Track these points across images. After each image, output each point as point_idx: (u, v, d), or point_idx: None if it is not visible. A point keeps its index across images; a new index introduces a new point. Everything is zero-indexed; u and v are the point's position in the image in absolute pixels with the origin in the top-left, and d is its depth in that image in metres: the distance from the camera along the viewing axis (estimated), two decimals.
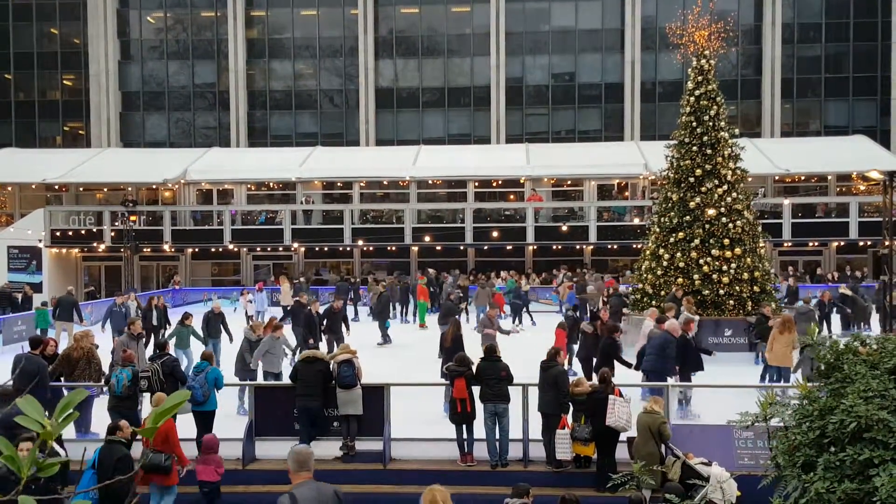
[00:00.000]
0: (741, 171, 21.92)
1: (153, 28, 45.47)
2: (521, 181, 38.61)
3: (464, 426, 11.77)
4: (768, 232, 24.50)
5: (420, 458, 12.07)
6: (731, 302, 20.70)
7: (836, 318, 24.08)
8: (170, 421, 9.70)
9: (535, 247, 37.32)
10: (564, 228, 35.59)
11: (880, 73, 42.13)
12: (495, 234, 35.77)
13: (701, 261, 20.91)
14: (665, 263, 21.35)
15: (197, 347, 17.53)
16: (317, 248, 38.49)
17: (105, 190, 41.34)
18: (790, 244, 36.15)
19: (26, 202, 40.89)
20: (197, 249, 38.93)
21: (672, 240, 21.40)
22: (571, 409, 11.47)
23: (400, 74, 44.59)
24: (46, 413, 1.95)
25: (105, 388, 12.37)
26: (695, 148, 21.58)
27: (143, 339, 15.41)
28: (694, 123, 21.71)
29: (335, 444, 12.13)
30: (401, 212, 37.11)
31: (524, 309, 27.10)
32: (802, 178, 39.11)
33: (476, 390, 11.84)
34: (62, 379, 13.05)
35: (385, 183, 40.14)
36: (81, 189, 41.64)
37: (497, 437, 11.64)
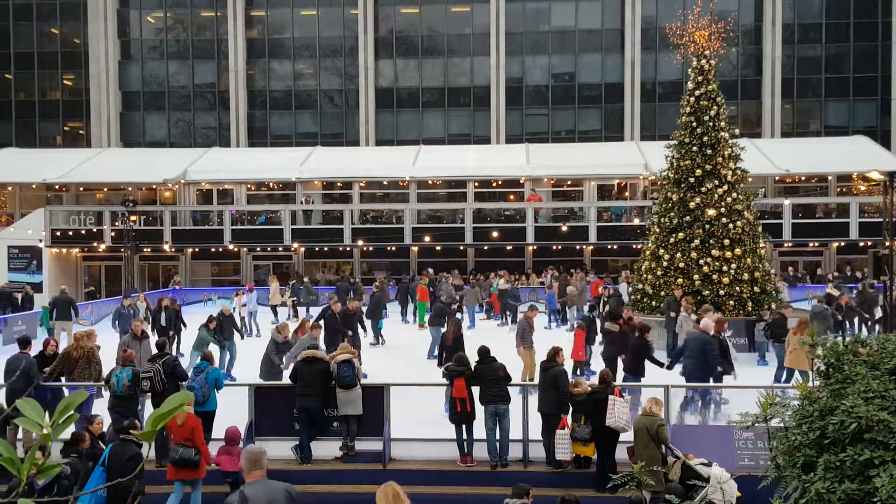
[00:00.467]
0: (741, 172, 21.95)
1: (153, 28, 45.48)
2: (521, 181, 38.61)
3: (463, 426, 11.77)
4: (768, 232, 24.50)
5: (420, 458, 12.06)
6: (732, 302, 20.72)
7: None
8: (196, 418, 10.34)
9: (535, 247, 37.32)
10: (564, 229, 35.59)
11: (881, 73, 42.13)
12: (495, 234, 35.77)
13: (701, 261, 20.93)
14: (665, 264, 21.37)
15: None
16: (317, 249, 38.49)
17: (105, 190, 41.34)
18: (790, 245, 36.15)
19: (26, 202, 40.89)
20: (197, 249, 38.93)
21: (672, 240, 21.42)
22: (571, 409, 11.46)
23: (400, 74, 44.59)
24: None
25: (105, 388, 12.38)
26: (695, 148, 21.60)
27: (148, 340, 15.32)
28: (694, 123, 21.73)
29: (335, 444, 12.13)
30: (401, 212, 37.11)
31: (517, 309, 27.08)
32: (803, 178, 39.11)
33: (476, 392, 11.83)
34: (62, 378, 13.06)
35: (385, 183, 40.14)
36: (81, 189, 41.64)
37: (497, 437, 11.64)
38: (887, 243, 21.45)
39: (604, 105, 43.68)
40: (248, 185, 40.45)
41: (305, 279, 32.91)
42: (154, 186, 39.83)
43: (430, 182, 39.62)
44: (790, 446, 4.48)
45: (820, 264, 37.90)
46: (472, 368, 11.95)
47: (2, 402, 12.12)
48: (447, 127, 44.39)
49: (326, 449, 12.11)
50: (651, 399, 10.59)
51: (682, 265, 21.10)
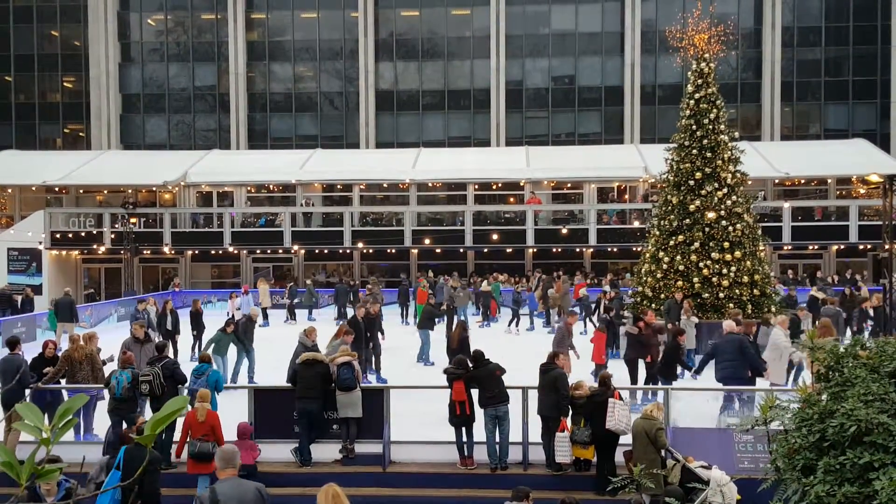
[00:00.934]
0: (741, 175, 21.95)
1: (153, 30, 45.51)
2: (521, 184, 38.60)
3: (463, 429, 11.76)
4: (768, 235, 24.50)
5: (420, 460, 12.06)
6: (731, 305, 20.69)
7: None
8: (214, 414, 10.79)
9: (535, 250, 37.31)
10: (564, 231, 35.58)
11: (880, 76, 42.16)
12: (495, 236, 35.76)
13: (701, 264, 20.92)
14: (665, 266, 21.36)
15: (232, 355, 17.49)
16: (316, 251, 38.48)
17: (105, 192, 41.32)
18: (790, 247, 36.14)
19: (26, 204, 40.88)
20: (197, 252, 38.92)
21: (672, 243, 21.41)
22: (571, 412, 11.45)
23: (400, 77, 44.61)
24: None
25: (105, 391, 12.38)
26: (695, 151, 21.60)
27: (150, 343, 15.22)
28: (694, 126, 21.74)
29: (335, 446, 12.12)
30: (401, 214, 37.10)
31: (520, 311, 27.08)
32: (802, 181, 39.11)
33: (475, 394, 11.83)
34: (62, 381, 13.07)
35: (385, 185, 40.13)
36: (81, 191, 41.63)
37: (497, 440, 11.63)
38: (887, 246, 21.45)
39: (604, 108, 43.71)
40: (248, 188, 40.45)
41: (308, 281, 32.88)
42: (154, 189, 39.82)
43: (430, 184, 39.63)
44: (790, 449, 4.48)
45: (819, 267, 37.89)
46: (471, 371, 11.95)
47: None
48: (447, 129, 44.41)
49: (326, 451, 12.10)
50: (655, 403, 10.59)
51: (681, 268, 21.10)
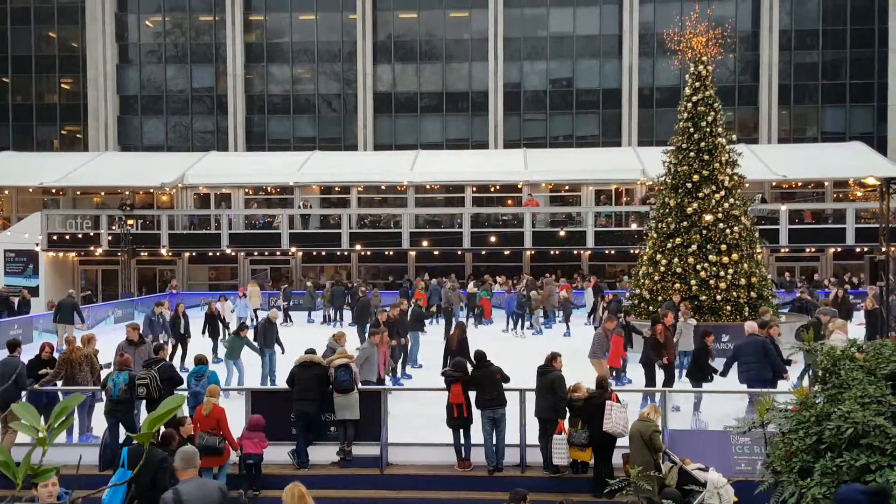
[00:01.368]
0: (738, 177, 21.99)
1: (151, 32, 45.50)
2: (519, 186, 38.62)
3: (461, 431, 11.75)
4: (765, 238, 24.53)
5: (417, 462, 12.05)
6: (729, 307, 20.73)
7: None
8: (220, 409, 11.06)
9: (533, 252, 37.31)
10: (562, 234, 35.60)
11: (877, 79, 42.24)
12: (493, 239, 35.76)
13: (698, 266, 20.95)
14: (662, 269, 21.38)
15: (248, 359, 17.37)
16: (314, 253, 38.46)
17: (102, 194, 41.28)
18: (787, 250, 36.18)
19: (23, 205, 40.82)
20: (194, 253, 38.89)
21: (669, 245, 21.44)
22: (568, 414, 11.45)
23: (398, 79, 44.63)
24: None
25: (102, 392, 12.36)
26: (692, 154, 21.64)
27: (144, 345, 15.13)
28: (691, 129, 21.77)
29: (332, 448, 12.11)
30: (398, 216, 37.10)
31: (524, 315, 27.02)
32: (800, 184, 39.17)
33: (473, 396, 11.82)
34: (59, 383, 13.05)
35: (383, 187, 40.13)
36: (79, 193, 41.58)
37: (494, 442, 11.63)
38: (883, 249, 21.47)
39: (601, 110, 43.74)
40: (246, 190, 40.42)
41: (308, 283, 32.81)
42: (151, 190, 39.79)
43: (427, 187, 39.63)
44: (787, 451, 4.48)
45: (817, 270, 37.94)
46: (470, 373, 11.94)
47: None
48: (445, 132, 44.43)
49: (323, 454, 12.09)
50: (651, 406, 10.59)
51: (679, 270, 21.12)
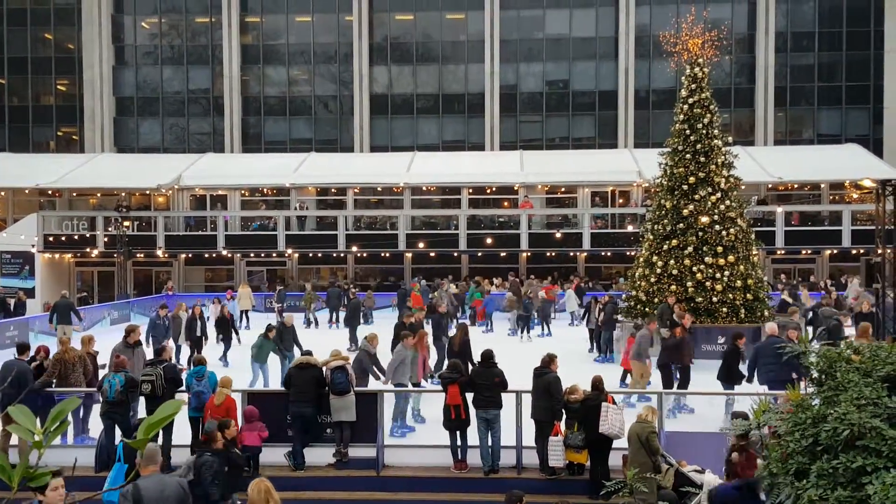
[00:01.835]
0: (734, 179, 22.02)
1: (147, 33, 45.45)
2: (515, 188, 38.65)
3: (458, 433, 11.75)
4: (761, 240, 24.56)
5: (413, 464, 12.04)
6: (725, 309, 20.74)
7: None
8: (232, 399, 11.37)
9: (529, 254, 37.34)
10: (558, 235, 35.63)
11: (873, 81, 42.33)
12: (489, 240, 35.78)
13: (694, 268, 20.97)
14: (658, 271, 21.39)
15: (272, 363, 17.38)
16: (310, 255, 38.45)
17: (98, 195, 41.23)
18: (783, 252, 36.25)
19: (19, 207, 40.75)
20: (190, 255, 38.85)
21: (665, 247, 21.45)
22: (565, 415, 11.45)
23: (394, 81, 44.64)
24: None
25: (98, 394, 12.36)
26: (688, 155, 21.66)
27: (140, 348, 15.08)
28: (687, 131, 21.80)
29: (328, 450, 12.10)
30: (395, 218, 37.09)
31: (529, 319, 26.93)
32: (795, 186, 39.25)
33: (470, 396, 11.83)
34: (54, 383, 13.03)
35: (379, 189, 40.13)
36: (75, 194, 41.52)
37: (489, 443, 11.63)
38: (879, 251, 21.51)
39: (598, 112, 43.78)
40: (243, 191, 40.41)
41: (307, 285, 32.78)
42: (147, 192, 39.75)
43: (424, 188, 39.64)
44: (783, 453, 4.48)
45: (813, 272, 38.01)
46: (469, 374, 11.94)
47: None
48: (441, 133, 44.45)
49: (319, 455, 12.08)
50: (647, 407, 10.59)
51: (675, 272, 21.13)
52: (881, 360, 4.67)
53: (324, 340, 19.67)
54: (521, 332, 26.31)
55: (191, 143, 44.96)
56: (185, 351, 20.54)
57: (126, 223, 35.54)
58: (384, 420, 12.24)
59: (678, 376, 15.30)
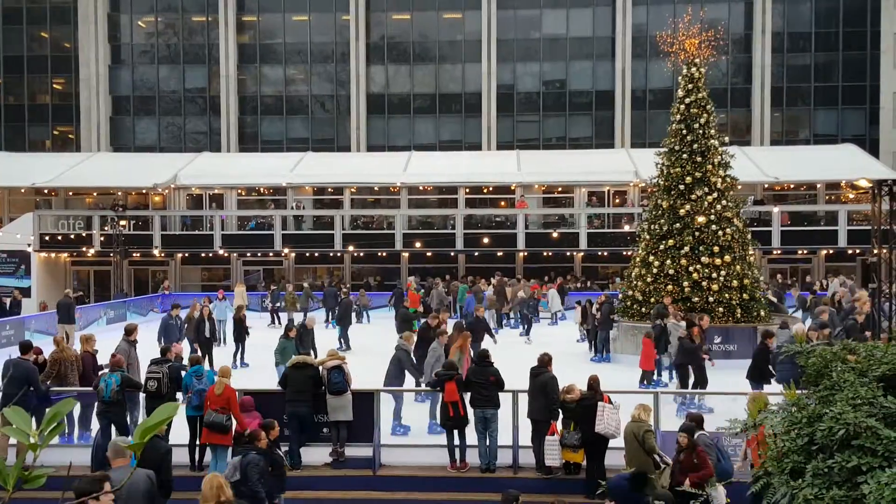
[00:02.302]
0: (731, 179, 22.06)
1: (144, 32, 45.40)
2: (512, 188, 38.66)
3: (455, 432, 11.73)
4: (758, 240, 24.59)
5: (410, 464, 12.05)
6: (721, 309, 20.77)
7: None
8: (232, 389, 11.37)
9: (526, 253, 37.35)
10: (555, 235, 35.64)
11: (869, 82, 42.41)
12: (486, 240, 35.77)
13: (690, 268, 20.99)
14: (655, 270, 21.42)
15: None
16: (307, 254, 38.42)
17: (95, 194, 41.14)
18: (779, 252, 36.28)
19: (15, 206, 40.65)
20: (187, 254, 38.78)
21: (662, 247, 21.48)
22: (561, 415, 11.46)
23: (391, 80, 44.63)
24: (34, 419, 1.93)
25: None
26: (685, 155, 21.69)
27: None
28: (684, 131, 21.83)
29: (325, 450, 12.10)
30: (391, 218, 37.07)
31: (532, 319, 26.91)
32: (792, 186, 39.31)
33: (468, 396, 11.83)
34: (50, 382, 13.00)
35: (376, 189, 40.11)
36: (71, 193, 41.43)
37: (487, 443, 11.63)
38: (875, 251, 21.55)
39: (594, 112, 43.82)
40: (239, 191, 40.36)
41: (305, 285, 32.75)
42: (144, 191, 39.66)
43: (421, 188, 39.62)
44: (779, 453, 4.49)
45: (809, 272, 38.05)
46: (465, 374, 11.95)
47: None
48: (438, 133, 44.45)
49: (316, 455, 12.08)
50: (640, 405, 10.59)
51: (671, 272, 21.16)
52: (877, 360, 4.68)
53: (320, 340, 19.64)
54: (499, 330, 26.39)
55: (187, 143, 44.90)
56: (198, 351, 20.42)
57: (122, 222, 35.45)
58: (380, 419, 12.23)
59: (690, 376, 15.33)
